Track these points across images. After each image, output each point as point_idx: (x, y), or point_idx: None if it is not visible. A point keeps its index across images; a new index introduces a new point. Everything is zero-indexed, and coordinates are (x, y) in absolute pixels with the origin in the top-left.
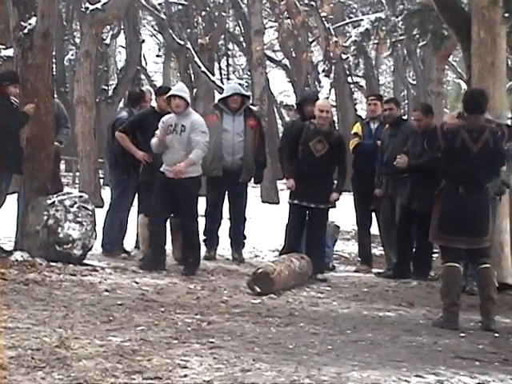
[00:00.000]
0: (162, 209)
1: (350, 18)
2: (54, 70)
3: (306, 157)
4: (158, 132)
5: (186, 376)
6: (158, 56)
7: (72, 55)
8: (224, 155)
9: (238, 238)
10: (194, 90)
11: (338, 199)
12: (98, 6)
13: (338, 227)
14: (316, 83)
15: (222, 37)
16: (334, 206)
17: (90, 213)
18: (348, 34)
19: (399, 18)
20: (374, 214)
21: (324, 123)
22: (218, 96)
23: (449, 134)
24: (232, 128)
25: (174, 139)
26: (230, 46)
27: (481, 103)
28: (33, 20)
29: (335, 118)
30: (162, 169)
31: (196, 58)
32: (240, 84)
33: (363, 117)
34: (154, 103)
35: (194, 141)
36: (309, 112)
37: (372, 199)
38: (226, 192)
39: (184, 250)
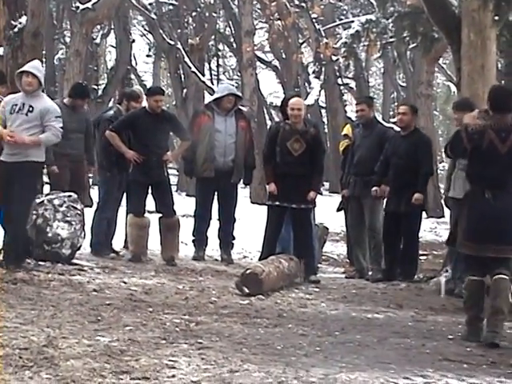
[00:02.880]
0: (5, 197)
1: (341, 19)
2: (44, 69)
3: (285, 157)
4: None
5: (173, 376)
6: (148, 56)
7: (62, 54)
8: (216, 156)
9: (226, 239)
10: (184, 91)
11: (316, 197)
12: (89, 5)
13: (327, 229)
14: (306, 84)
15: (213, 37)
16: (315, 206)
17: (79, 212)
18: (338, 36)
19: (389, 20)
20: (343, 214)
21: (297, 121)
22: (208, 96)
23: (475, 134)
24: (224, 129)
25: (19, 119)
26: (221, 46)
27: (507, 101)
28: (23, 19)
29: (324, 120)
30: (1, 157)
31: (186, 59)
32: (231, 85)
33: (353, 118)
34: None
35: (47, 125)
36: None
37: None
38: (216, 193)
39: (7, 240)
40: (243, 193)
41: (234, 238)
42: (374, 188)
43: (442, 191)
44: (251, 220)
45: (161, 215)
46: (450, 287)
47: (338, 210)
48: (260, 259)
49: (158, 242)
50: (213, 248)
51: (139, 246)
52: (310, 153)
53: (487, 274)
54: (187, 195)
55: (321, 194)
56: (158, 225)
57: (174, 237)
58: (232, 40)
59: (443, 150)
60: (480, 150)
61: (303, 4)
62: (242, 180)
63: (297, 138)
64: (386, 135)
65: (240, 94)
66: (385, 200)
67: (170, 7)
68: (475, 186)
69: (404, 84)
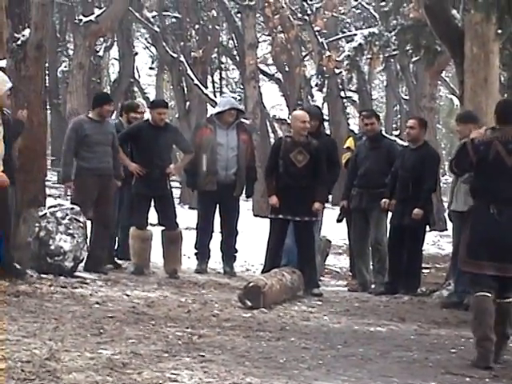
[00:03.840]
0: None
1: (344, 32)
2: (47, 81)
3: (288, 169)
4: None
5: None
6: (151, 68)
7: (65, 67)
8: (218, 169)
9: (229, 252)
10: (187, 103)
11: (321, 209)
12: (92, 18)
13: (330, 241)
14: (309, 97)
15: (216, 50)
16: (319, 218)
17: (82, 225)
18: (341, 49)
19: (392, 33)
20: (346, 227)
21: (304, 134)
22: (210, 109)
23: (481, 146)
24: (226, 142)
25: (1, 131)
26: (224, 59)
27: None
28: (26, 31)
29: (327, 132)
30: None
31: (189, 71)
32: (233, 98)
33: (356, 131)
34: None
35: None
36: (312, 127)
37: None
38: (218, 206)
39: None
40: (246, 205)
41: (236, 251)
42: (384, 200)
43: (446, 205)
44: (254, 233)
45: (163, 228)
46: (452, 300)
47: (338, 221)
48: (263, 272)
49: (161, 254)
50: (215, 261)
51: (142, 258)
52: (313, 164)
53: (493, 292)
54: (190, 208)
55: (324, 207)
56: (160, 238)
57: (176, 249)
58: (235, 53)
59: (447, 166)
60: (486, 163)
61: (306, 17)
62: (243, 193)
63: (300, 150)
64: (394, 148)
65: (242, 108)
66: (390, 213)
67: (173, 20)
68: (480, 200)
69: (407, 97)
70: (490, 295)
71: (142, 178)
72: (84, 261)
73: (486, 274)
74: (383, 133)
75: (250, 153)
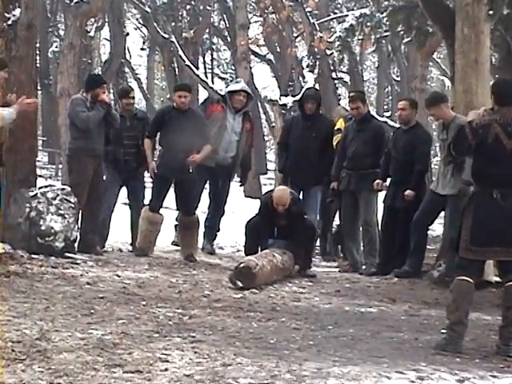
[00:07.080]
0: None
1: (335, 13)
2: (38, 61)
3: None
4: None
5: (166, 370)
6: (142, 49)
7: (56, 47)
8: (218, 150)
9: (212, 230)
10: None
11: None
12: None
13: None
14: (300, 78)
15: (207, 31)
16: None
17: (73, 205)
18: (333, 30)
19: (384, 14)
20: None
21: (282, 213)
22: (202, 90)
23: (480, 129)
24: (232, 126)
25: None
26: (215, 40)
27: None
28: (17, 11)
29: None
30: None
31: (180, 52)
32: (224, 79)
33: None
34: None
35: None
36: (309, 109)
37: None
38: (209, 184)
39: None
40: (237, 187)
41: (218, 230)
42: (377, 181)
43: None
44: (245, 213)
45: (180, 213)
46: (442, 279)
47: (329, 202)
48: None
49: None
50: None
51: (146, 240)
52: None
53: (500, 276)
54: None
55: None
56: (176, 223)
57: (191, 235)
58: (226, 33)
59: (447, 149)
60: (485, 146)
61: None
62: (234, 178)
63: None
64: (382, 130)
65: (251, 93)
66: (382, 194)
67: (165, 0)
68: (481, 184)
69: (398, 78)
70: (472, 281)
71: (165, 161)
72: (76, 243)
73: (476, 260)
74: (373, 114)
75: (249, 143)
